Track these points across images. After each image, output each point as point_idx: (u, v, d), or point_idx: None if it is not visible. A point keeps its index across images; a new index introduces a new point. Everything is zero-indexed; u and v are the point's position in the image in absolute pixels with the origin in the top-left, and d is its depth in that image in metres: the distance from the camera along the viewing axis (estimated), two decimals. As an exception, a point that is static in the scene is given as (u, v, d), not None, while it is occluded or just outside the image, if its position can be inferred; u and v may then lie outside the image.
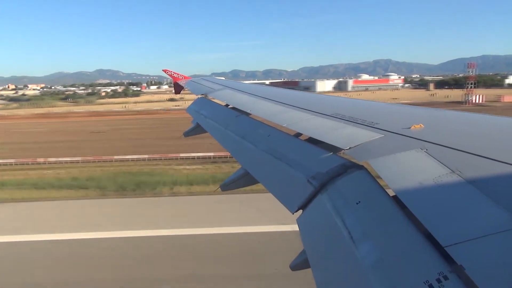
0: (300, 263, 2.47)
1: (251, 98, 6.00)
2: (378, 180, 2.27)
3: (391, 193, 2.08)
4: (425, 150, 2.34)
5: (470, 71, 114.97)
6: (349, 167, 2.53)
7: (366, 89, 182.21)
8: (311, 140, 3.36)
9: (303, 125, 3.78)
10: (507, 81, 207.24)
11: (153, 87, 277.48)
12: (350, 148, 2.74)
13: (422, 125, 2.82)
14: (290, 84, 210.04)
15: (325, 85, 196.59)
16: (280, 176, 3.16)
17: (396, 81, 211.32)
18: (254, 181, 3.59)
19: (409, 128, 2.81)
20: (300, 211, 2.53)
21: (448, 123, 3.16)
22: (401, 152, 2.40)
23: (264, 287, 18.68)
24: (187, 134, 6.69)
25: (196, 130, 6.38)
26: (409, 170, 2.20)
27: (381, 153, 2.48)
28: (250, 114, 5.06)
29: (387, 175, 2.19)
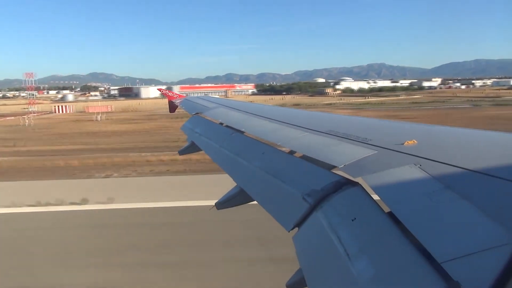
0: (297, 282, 2.45)
1: (245, 116, 6.05)
2: (373, 197, 2.27)
3: (386, 209, 2.08)
4: (419, 165, 2.34)
5: (28, 81, 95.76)
6: (344, 184, 2.54)
7: (206, 95, 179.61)
8: (306, 157, 3.37)
9: (297, 143, 3.78)
10: (338, 87, 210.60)
11: (52, 92, 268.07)
12: (344, 165, 2.75)
13: (415, 141, 2.83)
14: (125, 91, 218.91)
15: (150, 92, 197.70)
16: (275, 194, 3.16)
17: (244, 87, 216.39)
18: (249, 199, 3.57)
19: (402, 144, 2.82)
20: (296, 229, 2.52)
21: (442, 139, 3.18)
22: (395, 168, 2.42)
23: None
24: (182, 152, 6.73)
25: (191, 148, 6.44)
26: (403, 185, 2.21)
27: (375, 169, 2.50)
28: (244, 132, 5.08)
29: (382, 191, 2.19)
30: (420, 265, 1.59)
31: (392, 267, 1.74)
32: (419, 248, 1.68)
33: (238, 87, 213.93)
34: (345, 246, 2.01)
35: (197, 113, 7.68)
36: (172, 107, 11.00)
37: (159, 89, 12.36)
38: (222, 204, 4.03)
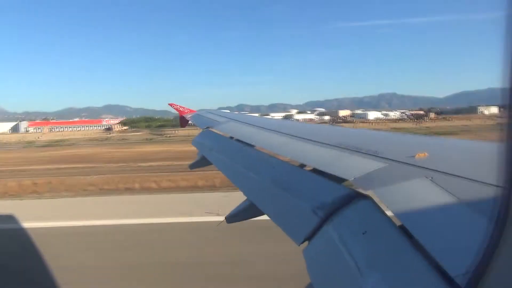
0: None
1: (255, 130, 6.07)
2: (384, 210, 2.26)
3: (398, 222, 2.07)
4: (430, 178, 2.32)
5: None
6: (355, 197, 2.52)
7: (51, 130, 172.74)
8: (316, 171, 3.37)
9: (307, 156, 3.78)
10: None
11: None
12: (355, 178, 2.73)
13: (426, 154, 2.82)
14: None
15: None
16: (285, 207, 3.15)
17: (111, 122, 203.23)
18: (259, 213, 3.57)
19: (413, 156, 2.80)
20: (306, 243, 2.50)
21: (453, 151, 3.15)
22: (406, 181, 2.39)
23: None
24: (193, 166, 6.79)
25: (201, 162, 6.46)
26: (415, 199, 2.18)
27: (386, 182, 2.48)
28: (255, 146, 5.08)
29: (393, 205, 2.16)
30: (433, 280, 1.57)
31: (404, 282, 1.70)
32: (431, 263, 1.65)
33: (105, 121, 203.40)
34: (356, 260, 1.98)
35: (207, 128, 7.71)
36: (183, 121, 11.09)
37: (170, 104, 12.54)
38: (232, 218, 4.01)
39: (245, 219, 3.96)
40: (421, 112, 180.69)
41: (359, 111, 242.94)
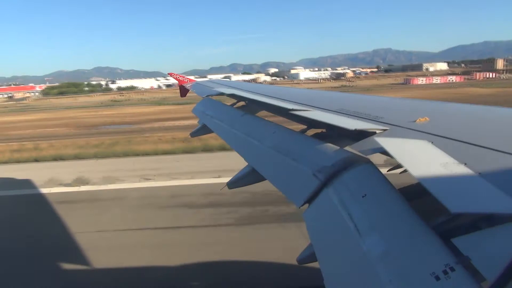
0: (307, 257, 2.52)
1: (258, 97, 6.11)
2: (383, 173, 2.30)
3: (397, 186, 2.11)
4: (431, 142, 2.34)
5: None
6: (355, 161, 2.55)
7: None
8: (317, 136, 3.44)
9: (308, 114, 3.80)
10: (113, 85, 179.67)
11: None
12: (356, 129, 2.74)
13: (427, 118, 2.82)
14: None
15: None
16: (286, 171, 3.19)
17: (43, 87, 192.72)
18: (260, 178, 3.62)
19: (414, 121, 2.82)
20: (306, 206, 2.56)
21: (454, 116, 3.16)
22: (409, 139, 2.42)
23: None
24: (194, 134, 6.86)
25: (202, 130, 6.53)
26: (416, 152, 2.21)
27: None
28: (256, 100, 5.16)
29: (393, 151, 2.18)
30: (430, 241, 1.60)
31: (402, 243, 1.75)
32: (429, 225, 1.69)
33: (38, 87, 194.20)
34: (356, 222, 2.03)
35: (208, 96, 7.75)
36: (183, 91, 10.98)
37: (170, 74, 12.31)
38: (234, 184, 4.04)
39: (246, 185, 3.96)
40: (341, 72, 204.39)
41: (295, 71, 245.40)
